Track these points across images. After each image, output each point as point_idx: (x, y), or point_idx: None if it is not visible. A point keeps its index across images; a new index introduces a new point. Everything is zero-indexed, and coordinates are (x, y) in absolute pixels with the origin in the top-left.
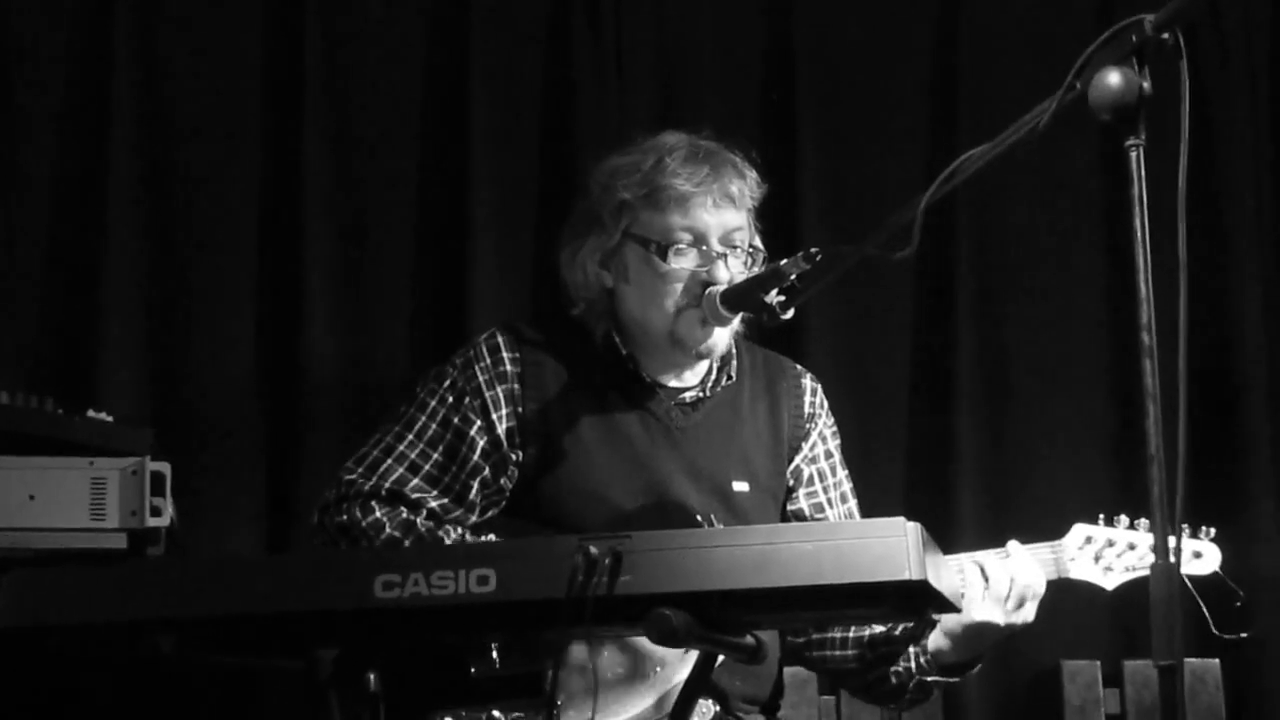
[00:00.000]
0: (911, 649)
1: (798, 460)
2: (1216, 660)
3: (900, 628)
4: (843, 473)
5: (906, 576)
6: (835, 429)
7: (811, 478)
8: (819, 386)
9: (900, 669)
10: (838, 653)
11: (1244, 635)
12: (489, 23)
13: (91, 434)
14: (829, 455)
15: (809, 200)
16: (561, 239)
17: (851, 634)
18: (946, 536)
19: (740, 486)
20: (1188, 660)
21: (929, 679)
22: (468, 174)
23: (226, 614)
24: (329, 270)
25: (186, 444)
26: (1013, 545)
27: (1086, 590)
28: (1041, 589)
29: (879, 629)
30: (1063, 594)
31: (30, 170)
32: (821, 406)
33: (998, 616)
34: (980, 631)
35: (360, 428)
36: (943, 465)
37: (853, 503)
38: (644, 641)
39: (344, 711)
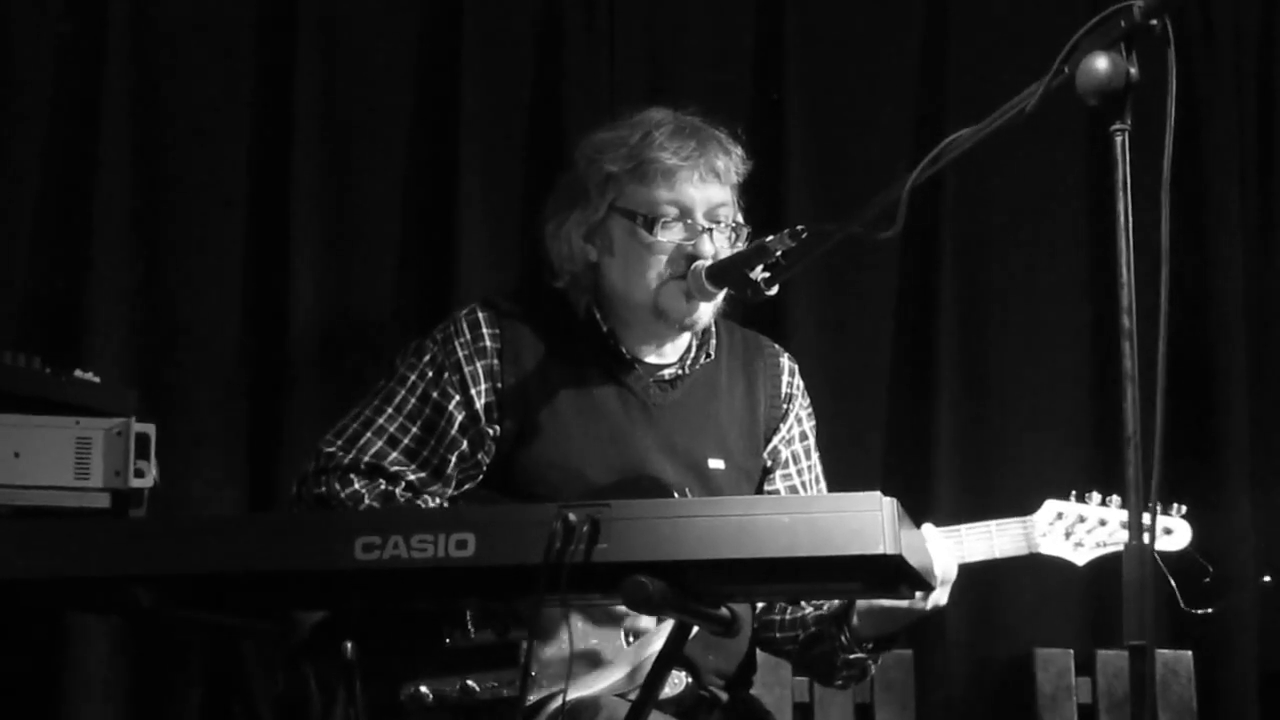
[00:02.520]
0: (837, 629)
1: (775, 441)
2: (1189, 652)
3: (826, 608)
4: (816, 455)
5: (881, 551)
6: (811, 410)
7: (787, 460)
8: (797, 368)
9: (828, 648)
10: (778, 634)
11: (1211, 611)
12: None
13: (78, 394)
14: (804, 438)
15: (796, 178)
16: (546, 211)
17: (789, 616)
18: (923, 514)
19: (716, 464)
20: (1160, 651)
21: (852, 656)
22: (457, 144)
23: (206, 572)
24: (316, 237)
25: (172, 406)
26: (927, 529)
27: (1060, 578)
28: (953, 574)
29: (812, 612)
30: (1036, 582)
31: (18, 132)
32: (799, 388)
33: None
34: (892, 613)
35: (344, 394)
36: (921, 444)
37: (823, 486)
38: (619, 613)
39: (320, 681)
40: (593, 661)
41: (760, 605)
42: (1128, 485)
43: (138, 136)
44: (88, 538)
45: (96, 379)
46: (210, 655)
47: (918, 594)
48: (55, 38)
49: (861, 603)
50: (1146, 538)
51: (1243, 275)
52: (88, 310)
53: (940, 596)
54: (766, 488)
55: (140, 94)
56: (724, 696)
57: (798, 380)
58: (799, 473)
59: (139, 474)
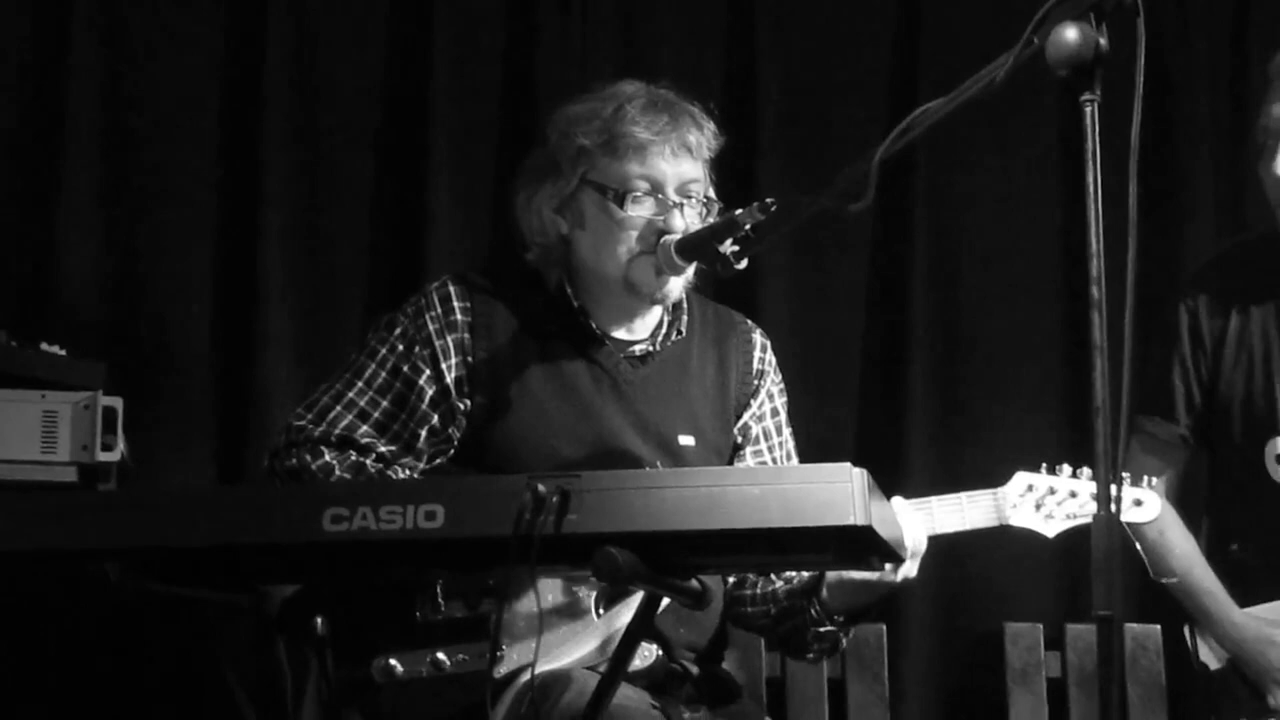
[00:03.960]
0: (807, 602)
1: (746, 418)
2: (1158, 626)
3: (797, 581)
4: (788, 431)
5: (851, 521)
6: (782, 386)
7: (758, 436)
8: (769, 343)
9: (799, 622)
10: (749, 609)
11: (1177, 580)
12: None
13: (44, 367)
14: (775, 414)
15: (767, 151)
16: (517, 184)
17: (760, 590)
18: (895, 487)
19: (686, 441)
20: (1129, 626)
21: (823, 630)
22: (428, 119)
23: (175, 545)
24: (286, 211)
25: (140, 379)
26: (896, 501)
27: (1031, 553)
28: (923, 546)
29: (782, 585)
30: (1008, 557)
31: None
32: (770, 364)
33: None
34: (861, 586)
35: (315, 367)
36: (893, 418)
37: (795, 461)
38: (589, 585)
39: (290, 655)
40: (563, 634)
41: (731, 580)
42: (1096, 456)
43: (107, 107)
44: (54, 511)
45: (63, 352)
46: (180, 630)
47: (887, 566)
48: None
49: (831, 576)
50: (1114, 508)
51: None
52: (54, 283)
53: (910, 569)
54: (738, 464)
55: (109, 68)
56: (695, 670)
57: (769, 356)
58: (770, 449)
59: (106, 447)
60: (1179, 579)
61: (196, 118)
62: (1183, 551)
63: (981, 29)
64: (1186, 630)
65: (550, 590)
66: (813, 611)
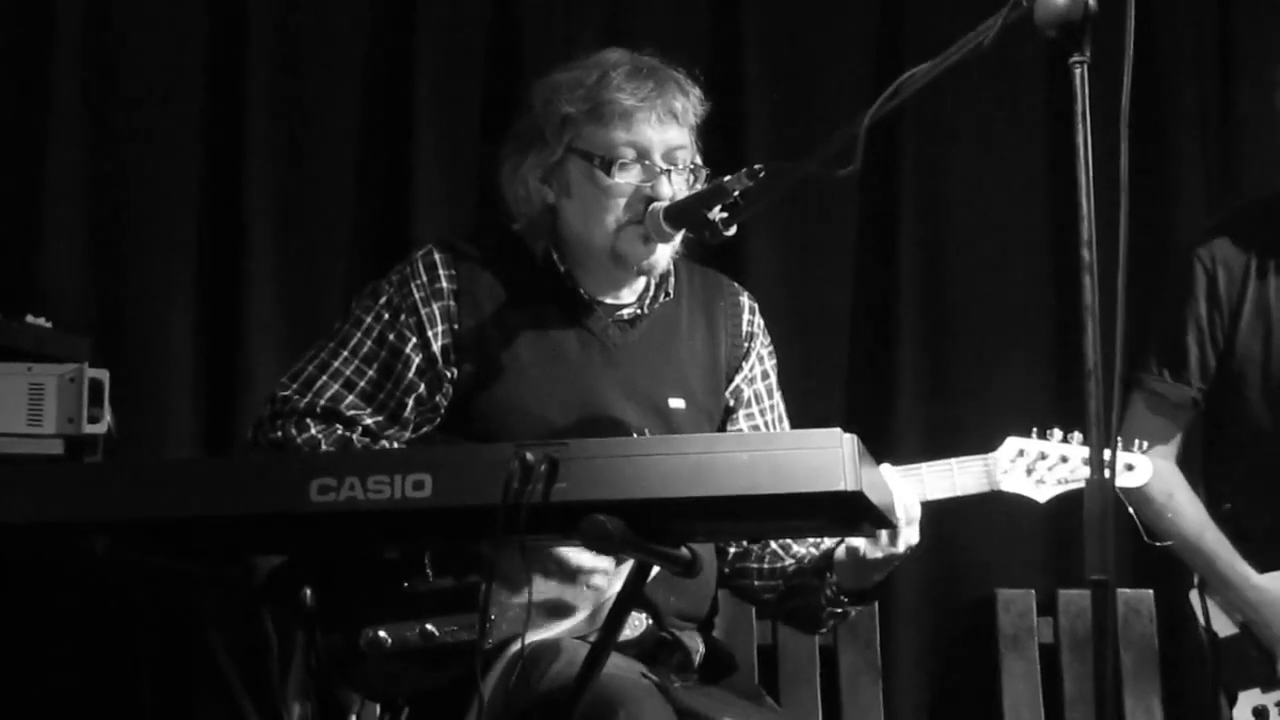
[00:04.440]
0: (820, 581)
1: (738, 380)
2: (1150, 591)
3: (807, 559)
4: (778, 394)
5: (842, 487)
6: (772, 349)
7: (750, 399)
8: (756, 306)
9: (812, 601)
10: (756, 583)
11: (1171, 544)
12: None
13: (30, 340)
14: (765, 376)
15: (754, 117)
16: (503, 153)
17: (767, 565)
18: (885, 451)
19: (676, 404)
20: (1122, 591)
21: (838, 610)
22: (412, 87)
23: (161, 516)
24: (271, 180)
25: (126, 351)
26: (885, 469)
27: (1023, 520)
28: (917, 511)
29: (791, 563)
30: (1000, 523)
31: None
32: (759, 326)
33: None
34: (871, 563)
35: (299, 337)
36: (883, 383)
37: (786, 425)
38: (578, 554)
39: (278, 627)
40: (553, 604)
41: (733, 551)
42: (1088, 419)
43: (92, 86)
44: (40, 484)
45: (49, 325)
46: (167, 601)
47: (889, 538)
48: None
49: (839, 556)
50: (1107, 472)
51: (1205, 211)
52: (40, 255)
53: (912, 536)
54: (730, 427)
55: (93, 53)
56: (685, 639)
57: (758, 319)
58: (761, 412)
59: (93, 420)
60: (1190, 542)
61: (181, 93)
62: (1193, 514)
63: None
64: (1196, 595)
65: (540, 560)
66: (828, 591)
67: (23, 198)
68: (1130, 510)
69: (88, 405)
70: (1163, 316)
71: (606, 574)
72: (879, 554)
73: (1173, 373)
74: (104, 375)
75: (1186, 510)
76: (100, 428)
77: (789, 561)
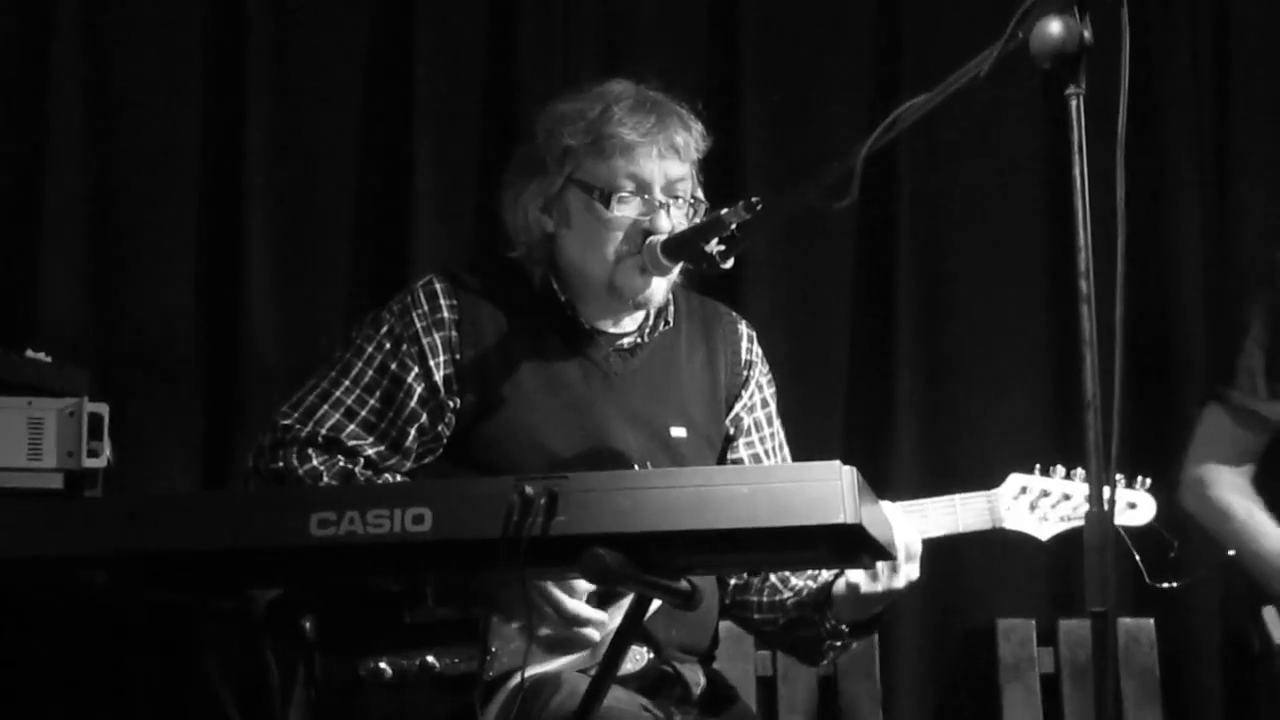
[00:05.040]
0: (820, 615)
1: (737, 409)
2: (1151, 620)
3: (806, 592)
4: (778, 422)
5: (841, 520)
6: (770, 377)
7: (750, 427)
8: (755, 334)
9: (812, 634)
10: (755, 616)
11: (1175, 585)
12: None
13: (30, 374)
14: (765, 404)
15: (752, 149)
16: (504, 181)
17: (766, 599)
18: (885, 486)
19: (678, 432)
20: (1122, 620)
21: (838, 643)
22: (411, 117)
23: (160, 550)
24: (270, 211)
25: (126, 385)
26: (887, 505)
27: (1023, 549)
28: (917, 548)
29: (790, 596)
30: (999, 552)
31: None
32: (758, 355)
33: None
34: (870, 596)
35: (298, 368)
36: (882, 415)
37: (786, 453)
38: (576, 605)
39: (278, 657)
40: (554, 636)
41: (733, 584)
42: (1088, 450)
43: (90, 113)
44: (39, 517)
45: (49, 359)
46: (167, 634)
47: (889, 573)
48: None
49: (838, 590)
50: (1107, 504)
51: (1201, 243)
52: (40, 289)
53: (912, 571)
54: (730, 456)
55: (91, 76)
56: (686, 672)
57: (756, 347)
58: (761, 440)
59: (92, 454)
60: (1268, 557)
61: (180, 128)
62: (1273, 530)
63: (964, 23)
64: (1271, 612)
65: (540, 593)
66: (827, 625)
67: (22, 232)
68: (1134, 551)
69: (87, 439)
70: (1261, 330)
71: (602, 626)
72: (878, 588)
73: (1271, 389)
74: (103, 409)
75: (1267, 527)
76: (100, 462)
77: (788, 595)
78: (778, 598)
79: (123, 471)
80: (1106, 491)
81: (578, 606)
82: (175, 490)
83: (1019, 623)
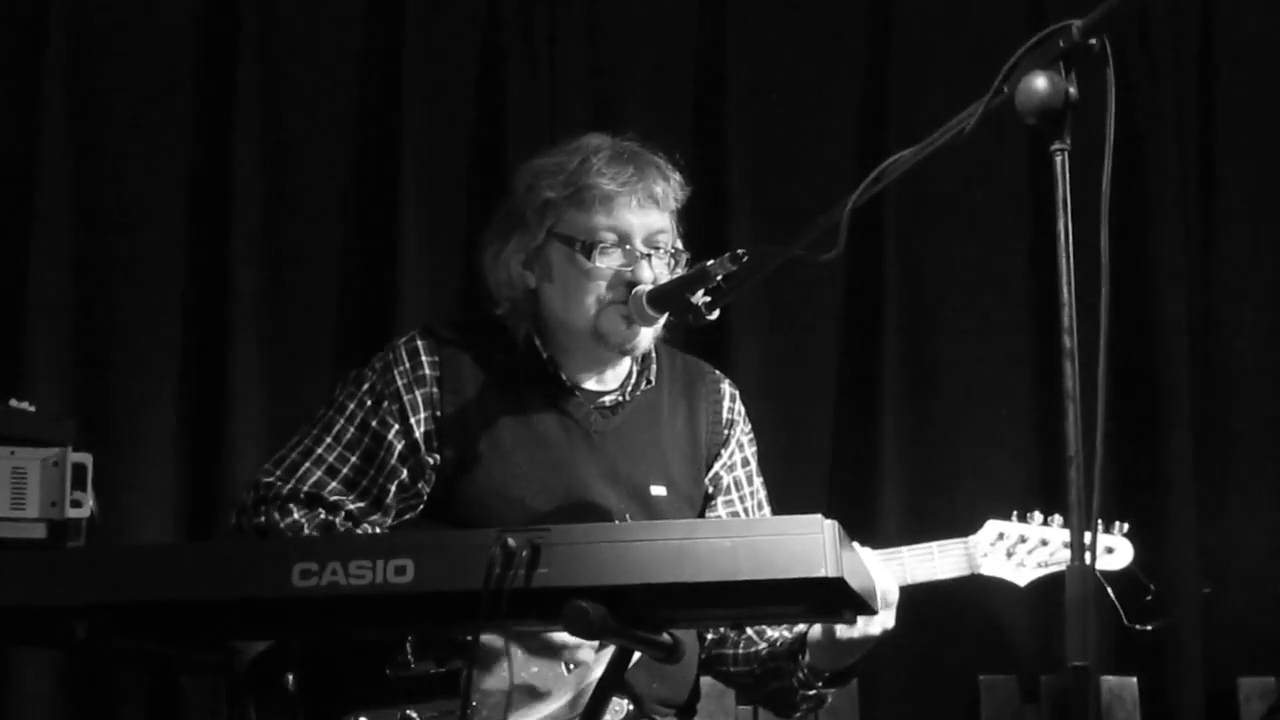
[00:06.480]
0: (793, 664)
1: (717, 468)
2: (1134, 679)
3: (780, 642)
4: (759, 480)
5: (823, 574)
6: (752, 436)
7: (729, 486)
8: (737, 393)
9: (786, 684)
10: (732, 668)
11: (1151, 628)
12: (423, 28)
13: (13, 424)
14: (746, 463)
15: (737, 202)
16: (485, 238)
17: (741, 650)
18: (867, 534)
19: (658, 491)
20: (1106, 678)
21: (811, 692)
22: (398, 173)
23: (143, 600)
24: (257, 262)
25: (110, 436)
26: (863, 552)
27: (1004, 603)
28: (894, 595)
29: (765, 646)
30: (980, 607)
31: None
32: (740, 414)
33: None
34: (844, 645)
35: (283, 421)
36: (865, 464)
37: (767, 511)
38: (560, 639)
39: (261, 713)
40: (533, 690)
41: (710, 636)
42: (1070, 506)
43: (78, 161)
44: (21, 568)
45: (32, 408)
46: (149, 687)
47: (864, 620)
48: None
49: (813, 637)
50: (1088, 557)
51: (1185, 295)
52: (24, 339)
53: (887, 620)
54: (709, 514)
55: (79, 112)
56: None
57: (739, 406)
58: (741, 499)
59: (76, 504)
60: None
61: (166, 180)
62: None
63: (950, 77)
64: None
65: (521, 646)
66: (800, 674)
67: (7, 282)
68: (1111, 594)
69: (71, 489)
70: None
71: (591, 647)
72: (853, 635)
73: None
74: (87, 459)
75: None
76: (83, 512)
77: (763, 646)
78: (753, 649)
79: (106, 521)
80: (1088, 538)
81: (562, 634)
82: (158, 541)
83: (1001, 679)
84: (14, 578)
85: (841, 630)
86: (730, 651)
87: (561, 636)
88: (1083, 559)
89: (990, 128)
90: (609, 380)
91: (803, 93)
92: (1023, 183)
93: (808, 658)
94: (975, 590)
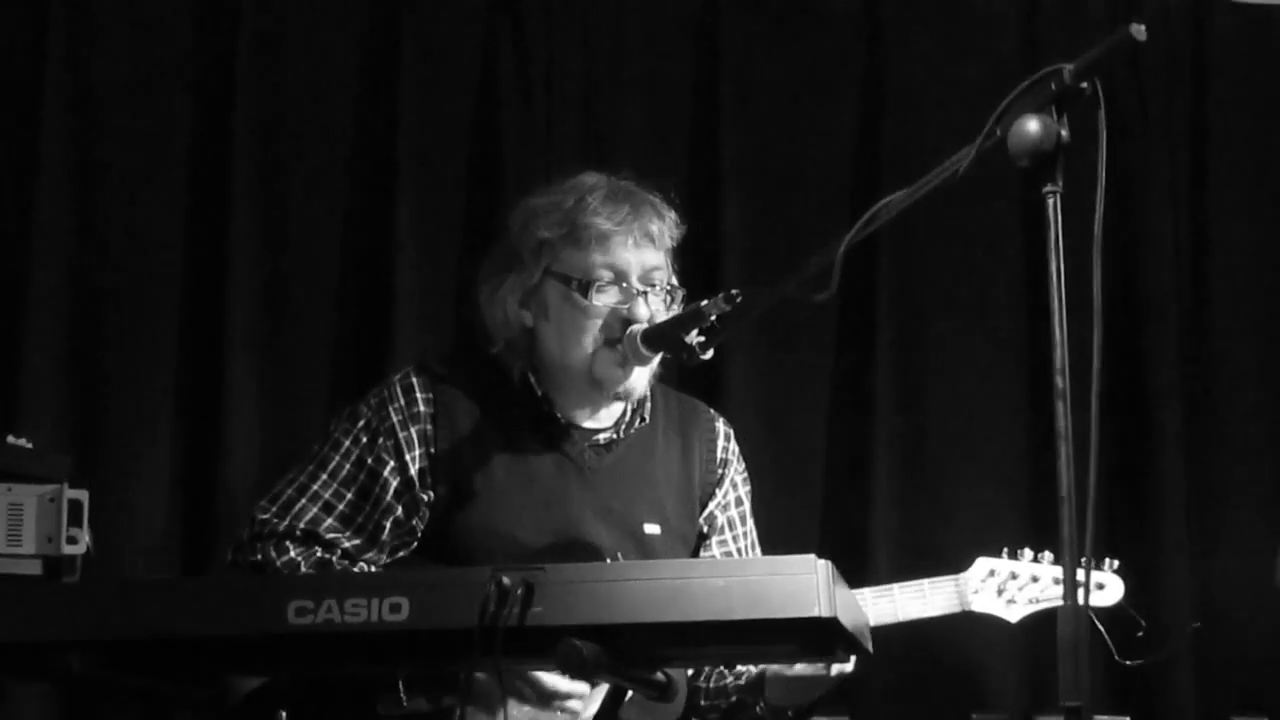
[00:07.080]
0: (754, 699)
1: (711, 507)
2: (1127, 718)
3: (745, 676)
4: (751, 521)
5: (816, 613)
6: (746, 475)
7: (723, 525)
8: (732, 432)
9: (749, 717)
10: (703, 702)
11: (1142, 663)
12: (418, 64)
13: (10, 460)
14: (739, 503)
15: (732, 242)
16: (480, 277)
17: (713, 684)
18: (860, 571)
19: (652, 529)
20: (1097, 717)
21: None
22: (394, 209)
23: (137, 636)
24: (251, 300)
25: (106, 472)
26: (855, 593)
27: (996, 641)
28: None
29: (733, 680)
30: (972, 645)
31: None
32: (734, 453)
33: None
34: (802, 681)
35: (278, 457)
36: (858, 501)
37: (758, 552)
38: (554, 679)
39: None
40: None
41: (689, 672)
42: (1062, 545)
43: (74, 198)
44: (15, 602)
45: (29, 445)
46: None
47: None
48: None
49: (771, 672)
50: (1081, 597)
51: (1177, 330)
52: (21, 375)
53: (848, 665)
54: (703, 553)
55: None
56: None
57: (733, 445)
58: (734, 539)
59: (72, 541)
60: None
61: (163, 215)
62: None
63: (944, 119)
64: None
65: (514, 684)
66: (758, 708)
67: (3, 317)
68: (1102, 630)
69: (67, 525)
70: None
71: (582, 698)
72: (806, 672)
73: None
74: (83, 495)
75: None
76: (79, 548)
77: (730, 679)
78: (723, 683)
79: (102, 557)
80: (1081, 578)
81: (555, 681)
82: (154, 576)
83: (993, 719)
84: (8, 612)
85: (799, 666)
86: (702, 685)
87: (554, 684)
88: (1075, 599)
89: (987, 170)
90: (603, 418)
91: (798, 133)
92: (1017, 222)
93: (766, 692)
94: (965, 627)
